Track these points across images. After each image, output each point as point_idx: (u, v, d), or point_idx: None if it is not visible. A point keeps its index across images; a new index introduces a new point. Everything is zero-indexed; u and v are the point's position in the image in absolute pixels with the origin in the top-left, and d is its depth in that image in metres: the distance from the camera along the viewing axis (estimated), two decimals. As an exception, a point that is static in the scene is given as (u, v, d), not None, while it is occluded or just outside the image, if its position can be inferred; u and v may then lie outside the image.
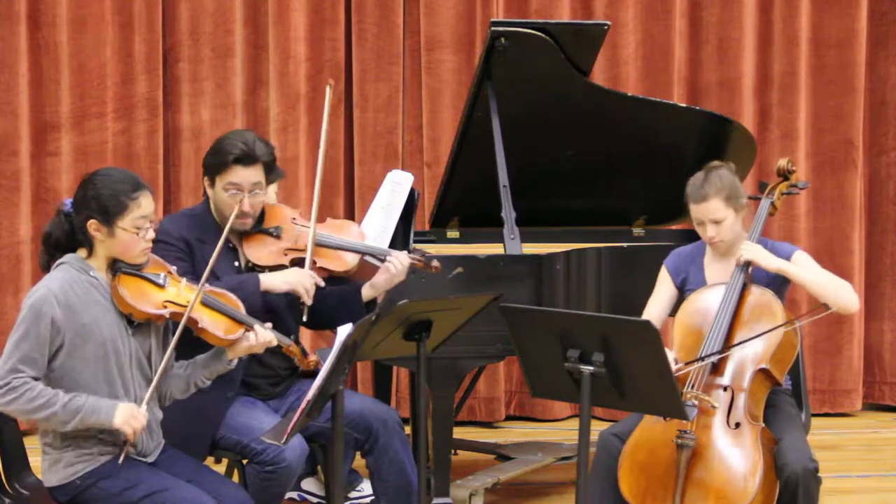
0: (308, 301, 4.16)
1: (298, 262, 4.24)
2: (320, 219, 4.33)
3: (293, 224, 4.31)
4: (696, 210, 4.25)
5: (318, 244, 4.28)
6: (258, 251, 4.25)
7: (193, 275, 3.89)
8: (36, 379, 3.56)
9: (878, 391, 7.07)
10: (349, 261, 4.33)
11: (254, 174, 4.16)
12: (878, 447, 6.41)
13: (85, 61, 6.42)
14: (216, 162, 4.17)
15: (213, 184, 4.20)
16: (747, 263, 4.19)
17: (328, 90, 4.41)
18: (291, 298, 4.23)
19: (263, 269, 4.24)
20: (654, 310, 4.38)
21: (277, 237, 4.27)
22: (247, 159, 4.14)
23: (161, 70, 6.48)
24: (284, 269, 4.20)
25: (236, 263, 4.26)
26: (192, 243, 4.15)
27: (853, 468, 5.95)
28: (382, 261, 4.34)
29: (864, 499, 5.48)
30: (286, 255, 4.26)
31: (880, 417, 6.97)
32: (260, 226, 4.26)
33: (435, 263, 4.37)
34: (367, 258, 4.37)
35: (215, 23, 6.52)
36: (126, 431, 3.58)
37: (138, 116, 6.48)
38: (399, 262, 4.30)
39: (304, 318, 4.20)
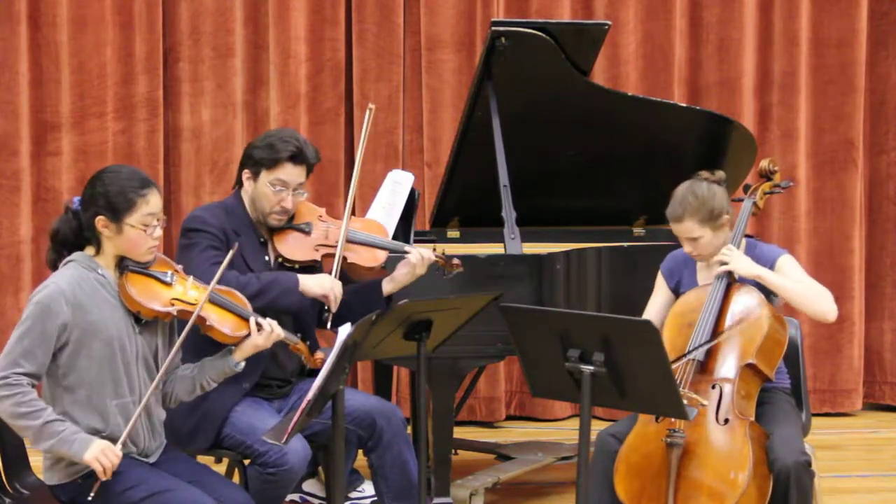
0: (334, 309, 4.21)
1: (329, 258, 4.29)
2: (342, 216, 4.36)
3: (321, 221, 4.36)
4: (673, 227, 4.30)
5: (350, 240, 4.34)
6: (290, 247, 4.30)
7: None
8: (34, 376, 3.56)
9: (878, 391, 7.07)
10: (378, 257, 4.39)
11: (300, 174, 4.24)
12: (878, 447, 6.41)
13: (85, 61, 6.42)
14: (268, 156, 4.22)
15: (256, 177, 4.25)
16: (726, 274, 4.21)
17: (368, 113, 4.45)
18: (318, 306, 4.28)
19: (294, 263, 4.29)
20: (651, 314, 4.39)
21: (308, 233, 4.32)
22: (299, 158, 4.23)
23: (161, 70, 6.48)
24: (318, 274, 4.24)
25: (266, 258, 4.30)
26: (229, 234, 4.19)
27: (853, 468, 5.95)
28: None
29: (864, 499, 5.48)
30: (317, 250, 4.32)
31: (880, 417, 6.97)
32: (290, 222, 4.31)
33: (455, 261, 4.43)
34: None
35: (215, 23, 6.52)
36: (96, 468, 3.55)
37: (138, 116, 6.48)
38: (420, 255, 4.36)
39: (329, 326, 4.21)
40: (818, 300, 4.18)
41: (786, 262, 4.27)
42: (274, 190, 4.21)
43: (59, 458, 3.65)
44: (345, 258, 4.33)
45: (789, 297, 4.18)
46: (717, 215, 4.23)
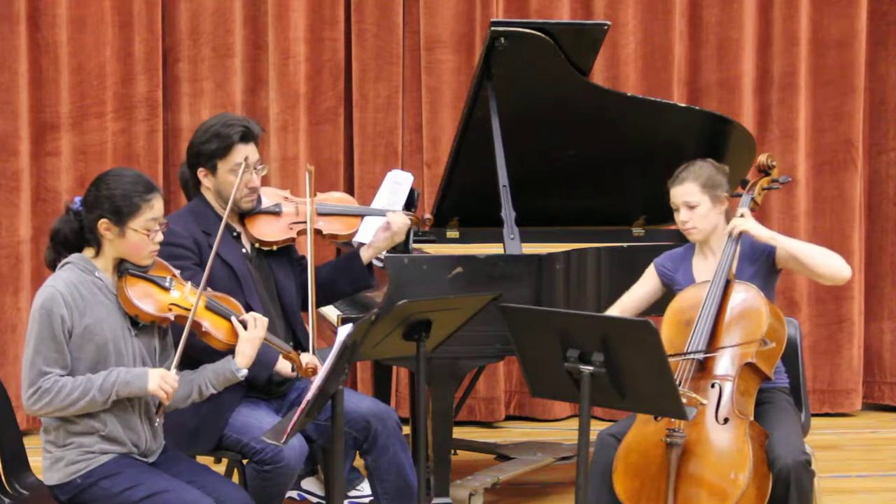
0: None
1: (305, 234, 4.32)
2: (312, 193, 4.38)
3: (288, 201, 4.39)
4: (672, 194, 4.32)
5: (320, 213, 4.38)
6: (265, 229, 4.32)
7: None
8: (62, 376, 3.58)
9: (878, 391, 7.07)
10: (353, 224, 4.45)
11: (254, 150, 4.25)
12: (878, 447, 6.41)
13: (85, 61, 6.42)
14: (218, 146, 4.19)
15: (214, 170, 4.22)
16: (739, 235, 4.23)
17: (307, 175, 4.39)
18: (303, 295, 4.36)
19: (272, 245, 4.31)
20: (630, 298, 4.46)
21: (278, 213, 4.33)
22: (248, 136, 4.22)
23: (161, 70, 6.48)
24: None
25: (244, 250, 4.30)
26: (199, 240, 4.18)
27: (853, 468, 5.95)
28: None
29: (864, 499, 5.48)
30: (291, 228, 4.34)
31: (880, 417, 6.97)
32: (259, 206, 4.31)
33: (427, 216, 4.61)
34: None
35: (215, 23, 6.52)
36: (160, 395, 3.62)
37: (138, 116, 6.48)
38: (399, 219, 4.45)
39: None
40: (832, 258, 4.20)
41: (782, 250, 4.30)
42: (237, 175, 4.19)
43: (58, 458, 3.66)
44: (319, 231, 4.37)
45: (804, 259, 4.19)
46: (717, 185, 4.28)
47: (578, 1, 6.71)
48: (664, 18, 6.73)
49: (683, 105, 6.08)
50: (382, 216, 4.53)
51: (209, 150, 4.20)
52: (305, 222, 4.32)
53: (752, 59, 6.79)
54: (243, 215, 4.31)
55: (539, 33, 5.00)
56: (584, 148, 5.39)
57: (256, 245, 4.32)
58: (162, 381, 3.62)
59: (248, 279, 4.22)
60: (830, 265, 4.19)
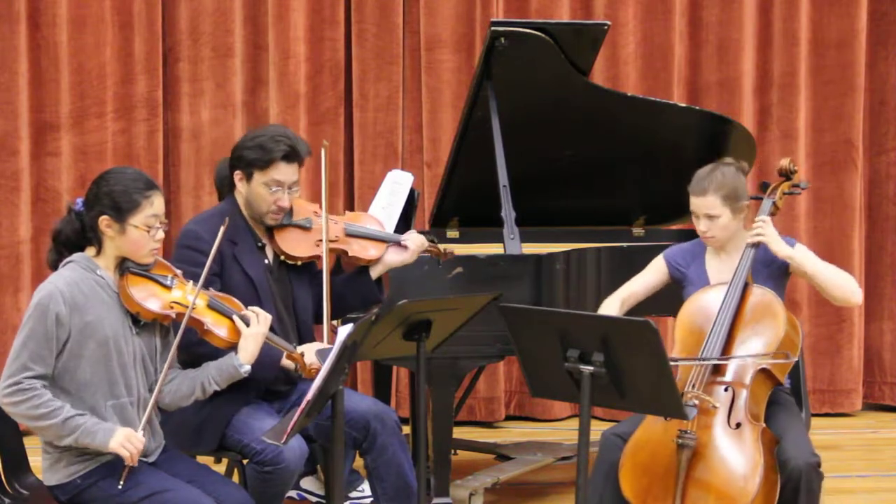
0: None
1: (331, 253, 4.30)
2: (339, 211, 4.37)
3: (318, 217, 4.35)
4: (693, 202, 4.29)
5: (348, 234, 4.36)
6: (292, 243, 4.28)
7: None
8: (44, 377, 3.58)
9: (878, 391, 7.07)
10: (378, 249, 4.42)
11: (294, 172, 4.20)
12: (878, 447, 6.41)
13: (85, 61, 6.42)
14: (261, 157, 4.16)
15: (249, 178, 4.19)
16: (755, 245, 4.22)
17: (323, 151, 4.37)
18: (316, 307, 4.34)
19: (296, 260, 4.28)
20: (634, 287, 4.42)
21: (308, 229, 4.31)
22: (292, 156, 4.18)
23: (161, 70, 6.48)
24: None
25: (266, 261, 4.28)
26: (223, 249, 4.12)
27: (853, 468, 5.95)
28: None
29: (864, 499, 5.48)
30: (318, 245, 4.30)
31: (880, 417, 6.98)
32: (290, 218, 4.29)
33: (447, 250, 4.50)
34: None
35: (215, 23, 6.52)
36: (123, 455, 3.58)
37: (138, 116, 6.48)
38: (418, 243, 4.42)
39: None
40: (847, 283, 4.22)
41: (800, 249, 4.30)
42: (270, 191, 4.17)
43: (58, 458, 3.66)
44: (345, 252, 4.35)
45: (820, 281, 4.20)
46: (739, 196, 4.26)
47: (578, 1, 6.71)
48: (664, 18, 6.73)
49: (683, 105, 6.08)
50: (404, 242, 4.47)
51: (250, 157, 4.18)
52: (333, 241, 4.29)
53: (752, 59, 6.79)
54: (271, 227, 4.29)
55: (539, 33, 5.00)
56: (584, 148, 5.40)
57: (281, 258, 4.30)
58: (126, 440, 3.58)
59: (268, 292, 4.20)
60: (844, 288, 4.20)
